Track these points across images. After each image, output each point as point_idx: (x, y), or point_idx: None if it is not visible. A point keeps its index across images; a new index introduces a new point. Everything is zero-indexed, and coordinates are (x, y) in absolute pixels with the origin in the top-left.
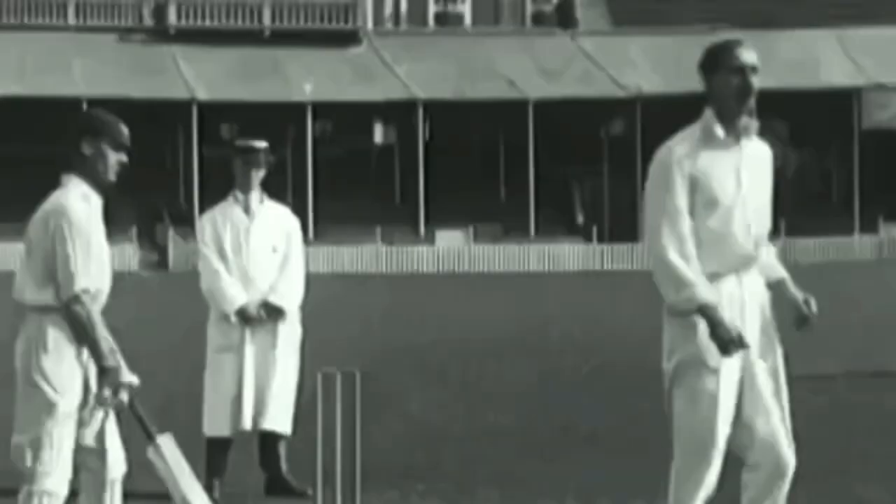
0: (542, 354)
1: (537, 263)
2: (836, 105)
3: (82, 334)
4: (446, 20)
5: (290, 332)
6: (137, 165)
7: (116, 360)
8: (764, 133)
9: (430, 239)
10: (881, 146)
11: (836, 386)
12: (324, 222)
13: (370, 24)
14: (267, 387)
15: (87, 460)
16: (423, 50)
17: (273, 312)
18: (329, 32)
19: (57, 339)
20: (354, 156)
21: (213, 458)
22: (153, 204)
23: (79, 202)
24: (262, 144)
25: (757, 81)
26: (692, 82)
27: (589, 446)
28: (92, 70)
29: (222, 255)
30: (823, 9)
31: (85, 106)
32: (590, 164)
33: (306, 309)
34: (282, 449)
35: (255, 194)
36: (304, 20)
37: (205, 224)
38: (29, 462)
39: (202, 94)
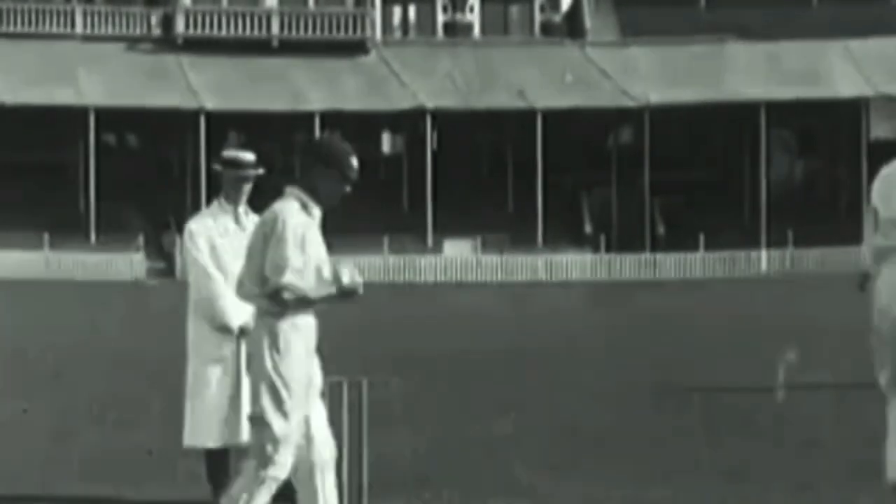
0: (549, 362)
1: (545, 273)
2: (844, 116)
3: (305, 305)
4: (455, 30)
5: None
6: (145, 174)
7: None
8: (772, 143)
9: (437, 248)
10: (889, 157)
11: (847, 395)
12: (331, 232)
13: (378, 34)
14: None
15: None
16: (431, 60)
17: None
18: (337, 42)
19: (287, 341)
20: (362, 165)
21: (213, 469)
22: (160, 213)
23: (298, 213)
24: (250, 156)
25: None
26: (700, 92)
27: (596, 455)
28: (99, 79)
29: (218, 265)
30: (831, 20)
31: (92, 114)
32: (598, 173)
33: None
34: None
35: (243, 206)
36: (313, 30)
37: (197, 231)
38: (270, 452)
39: (210, 104)
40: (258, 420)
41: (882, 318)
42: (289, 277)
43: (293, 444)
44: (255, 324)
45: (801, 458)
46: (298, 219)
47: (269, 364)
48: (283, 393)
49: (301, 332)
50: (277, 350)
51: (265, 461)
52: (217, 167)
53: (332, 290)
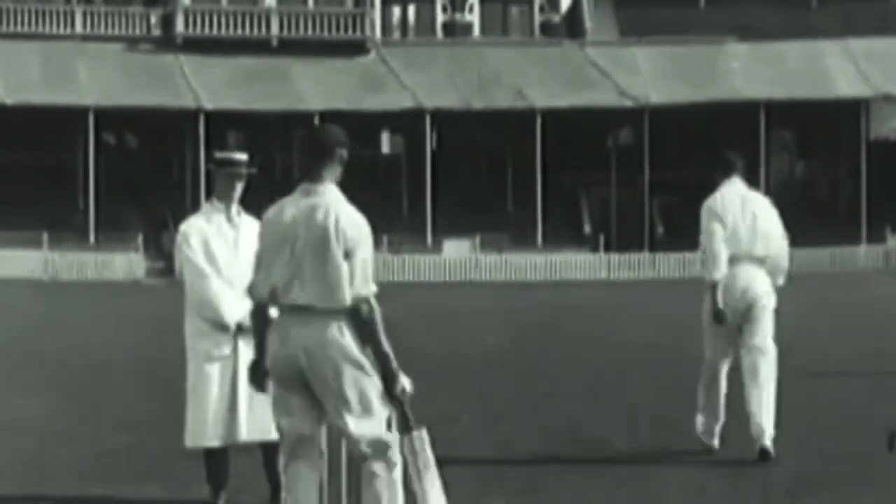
0: (547, 361)
1: (544, 273)
2: (844, 116)
3: (370, 334)
4: (454, 30)
5: None
6: (144, 174)
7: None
8: (772, 143)
9: (437, 248)
10: (888, 157)
11: (843, 394)
12: None
13: (378, 34)
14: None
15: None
16: (430, 59)
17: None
18: (337, 42)
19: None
20: (362, 165)
21: (213, 469)
22: (159, 212)
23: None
24: (242, 157)
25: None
26: (699, 92)
27: (595, 453)
28: (99, 78)
29: (213, 264)
30: (831, 20)
31: (91, 114)
32: (597, 173)
33: None
34: None
35: (235, 206)
36: (312, 29)
37: (190, 232)
38: (389, 440)
39: (209, 103)
40: (375, 422)
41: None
42: (374, 287)
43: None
44: (331, 328)
45: (801, 455)
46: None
47: (359, 355)
48: (377, 380)
49: None
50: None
51: (388, 451)
52: (211, 167)
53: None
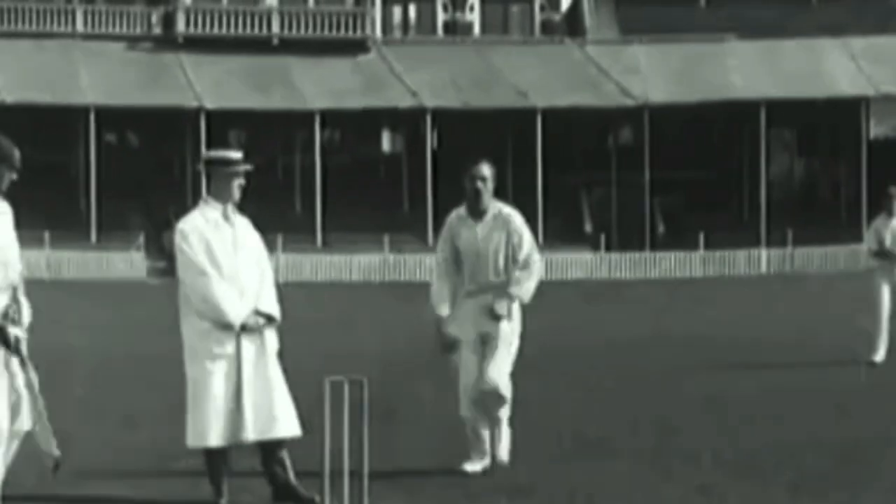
0: (549, 362)
1: (544, 272)
2: (844, 114)
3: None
4: (455, 29)
5: (274, 340)
6: (145, 173)
7: None
8: (772, 142)
9: None
10: (888, 156)
11: (845, 394)
12: (332, 230)
13: (378, 33)
14: (270, 396)
15: None
16: (431, 58)
17: (268, 321)
18: (337, 41)
19: None
20: (362, 164)
21: (215, 468)
22: (161, 211)
23: None
24: (237, 154)
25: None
26: (700, 91)
27: (596, 453)
28: (100, 78)
29: (214, 263)
30: (831, 18)
31: (93, 113)
32: (598, 172)
33: (315, 316)
34: (286, 456)
35: (231, 204)
36: (313, 28)
37: (188, 230)
38: None
39: (210, 103)
40: None
41: None
42: None
43: None
44: None
45: (801, 454)
46: None
47: None
48: None
49: None
50: None
51: None
52: (203, 167)
53: None
